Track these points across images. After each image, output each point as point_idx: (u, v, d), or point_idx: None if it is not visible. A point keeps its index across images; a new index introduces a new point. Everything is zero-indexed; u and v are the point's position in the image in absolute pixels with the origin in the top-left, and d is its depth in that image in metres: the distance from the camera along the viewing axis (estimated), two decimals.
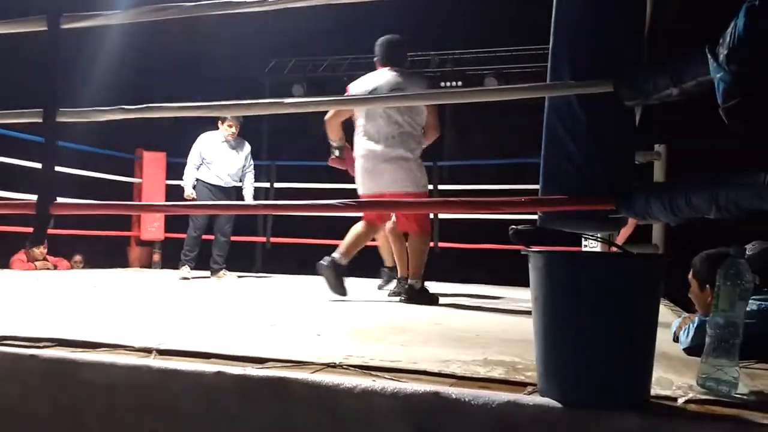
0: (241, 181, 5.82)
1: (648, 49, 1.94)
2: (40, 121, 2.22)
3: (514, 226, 1.55)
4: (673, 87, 1.66)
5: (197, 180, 5.68)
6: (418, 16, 9.06)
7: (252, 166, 5.91)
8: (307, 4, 2.16)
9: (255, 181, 6.01)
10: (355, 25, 8.52)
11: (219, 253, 5.69)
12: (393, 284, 4.46)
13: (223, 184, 5.70)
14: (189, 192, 5.60)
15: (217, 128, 5.75)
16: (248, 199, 5.74)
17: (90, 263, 7.03)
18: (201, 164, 5.70)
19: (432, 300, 3.68)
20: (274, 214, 5.91)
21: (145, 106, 2.21)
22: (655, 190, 1.71)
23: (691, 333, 2.08)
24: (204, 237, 5.72)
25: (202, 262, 5.77)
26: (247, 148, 5.88)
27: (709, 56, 1.46)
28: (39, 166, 2.35)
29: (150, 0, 2.31)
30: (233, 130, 5.68)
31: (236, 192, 5.78)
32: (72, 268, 6.75)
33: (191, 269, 5.59)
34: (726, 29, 1.44)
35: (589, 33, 1.84)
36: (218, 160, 5.70)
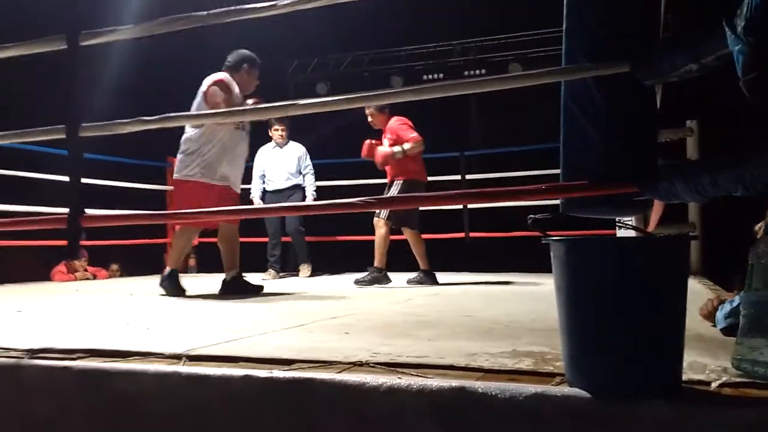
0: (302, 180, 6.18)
1: (667, 25, 1.89)
2: (64, 137, 2.26)
3: (532, 215, 1.53)
4: (692, 63, 1.61)
5: (265, 192, 6.13)
6: (439, 5, 9.00)
7: (309, 167, 6.18)
8: (317, 5, 2.16)
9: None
10: (376, 18, 8.50)
11: (297, 251, 6.20)
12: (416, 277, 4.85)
13: (279, 187, 6.07)
14: (258, 203, 6.02)
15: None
16: (309, 200, 6.00)
17: (127, 271, 7.17)
18: (264, 175, 6.14)
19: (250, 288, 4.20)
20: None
21: (164, 116, 2.24)
22: (680, 171, 1.66)
23: (728, 312, 2.02)
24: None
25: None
26: (299, 149, 6.21)
27: (726, 28, 1.42)
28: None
29: (162, 12, 2.34)
30: (280, 132, 6.10)
31: (296, 191, 6.08)
32: (110, 277, 6.90)
33: (277, 272, 6.03)
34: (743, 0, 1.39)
35: (603, 12, 1.80)
36: (271, 165, 6.14)
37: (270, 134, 6.17)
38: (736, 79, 1.45)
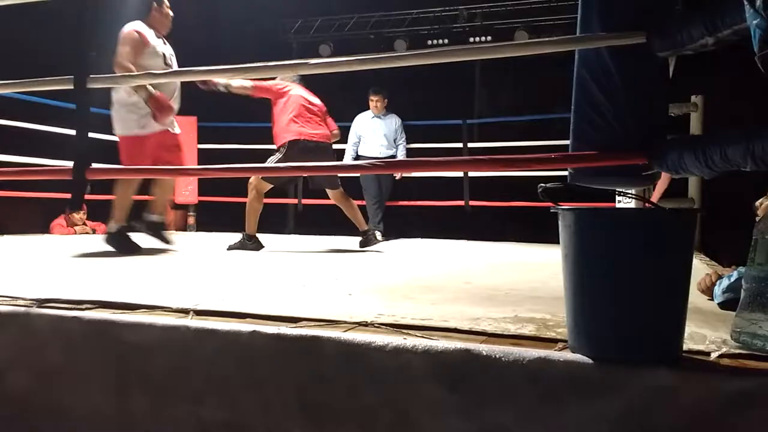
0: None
1: None
2: (72, 87, 2.25)
3: (542, 184, 1.53)
4: (708, 36, 1.61)
5: (359, 156, 6.34)
6: None
7: (403, 139, 6.45)
8: None
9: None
10: None
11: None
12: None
13: (377, 154, 6.27)
14: None
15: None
16: None
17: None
18: (359, 141, 6.40)
19: (123, 248, 3.95)
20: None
21: (172, 70, 2.22)
22: (689, 144, 1.67)
23: (726, 287, 2.05)
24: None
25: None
26: (396, 120, 6.47)
27: (745, 2, 1.41)
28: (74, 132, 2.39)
29: None
30: (374, 103, 6.37)
31: None
32: None
33: (380, 234, 5.94)
34: None
35: None
36: (368, 134, 6.41)
37: (370, 105, 6.44)
38: (747, 54, 1.45)
